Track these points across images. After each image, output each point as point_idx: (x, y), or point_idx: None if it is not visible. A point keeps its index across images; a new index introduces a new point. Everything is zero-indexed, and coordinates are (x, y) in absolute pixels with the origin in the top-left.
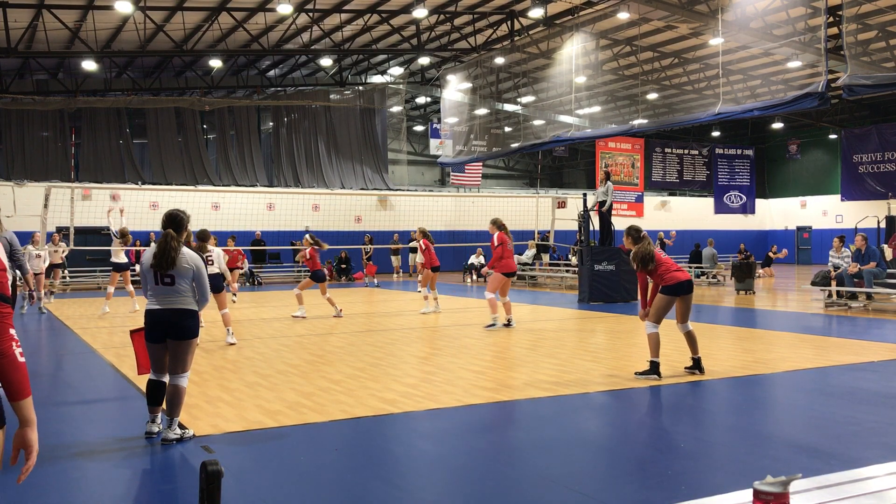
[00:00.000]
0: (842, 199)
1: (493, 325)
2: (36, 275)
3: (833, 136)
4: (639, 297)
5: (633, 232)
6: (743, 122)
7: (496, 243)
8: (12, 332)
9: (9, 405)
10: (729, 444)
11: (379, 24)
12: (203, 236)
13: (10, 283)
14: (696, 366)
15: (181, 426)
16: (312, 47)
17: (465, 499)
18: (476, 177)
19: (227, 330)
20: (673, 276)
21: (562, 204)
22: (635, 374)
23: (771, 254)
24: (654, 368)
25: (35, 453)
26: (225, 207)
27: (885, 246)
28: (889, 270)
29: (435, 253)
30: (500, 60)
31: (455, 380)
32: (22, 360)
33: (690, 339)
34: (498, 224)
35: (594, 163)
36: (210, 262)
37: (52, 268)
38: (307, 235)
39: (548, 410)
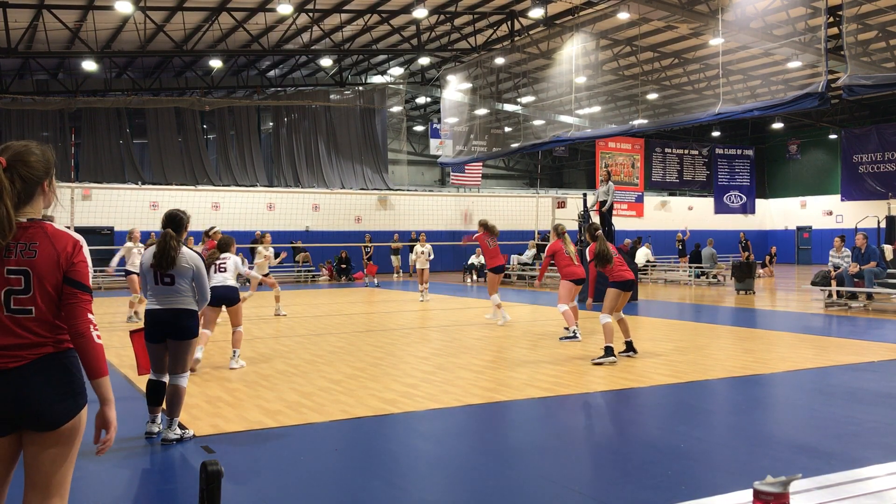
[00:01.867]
0: (842, 199)
1: (573, 336)
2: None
3: (833, 136)
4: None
5: (592, 229)
6: (743, 122)
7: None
8: (91, 316)
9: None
10: (729, 444)
11: (379, 24)
12: (224, 246)
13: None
14: (630, 348)
15: (181, 426)
16: (312, 47)
17: (465, 499)
18: (476, 177)
19: (234, 352)
20: (621, 273)
21: (562, 204)
22: (592, 362)
23: (769, 257)
24: (610, 352)
25: (114, 429)
26: (225, 207)
27: (887, 246)
28: (889, 270)
29: (498, 248)
30: (500, 60)
31: (455, 380)
32: (99, 341)
33: (624, 325)
34: (558, 231)
35: (594, 163)
36: (222, 270)
37: None
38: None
39: (548, 410)
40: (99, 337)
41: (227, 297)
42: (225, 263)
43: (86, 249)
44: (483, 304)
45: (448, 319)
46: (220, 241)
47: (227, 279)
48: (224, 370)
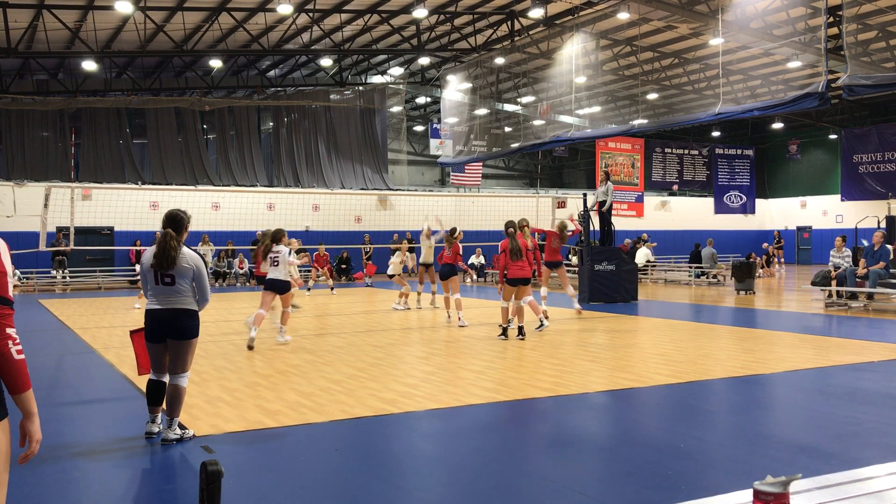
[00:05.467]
0: (842, 199)
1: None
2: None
3: (833, 136)
4: (498, 276)
5: (506, 227)
6: (743, 122)
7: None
8: (10, 331)
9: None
10: (729, 444)
11: (379, 24)
12: (276, 237)
13: (10, 286)
14: (520, 332)
15: (181, 426)
16: (312, 47)
17: (465, 499)
18: (476, 177)
19: (280, 328)
20: (512, 272)
21: (562, 204)
22: (498, 336)
23: (774, 248)
24: (504, 331)
25: (36, 442)
26: (225, 207)
27: (889, 246)
28: (891, 270)
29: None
30: (500, 60)
31: (455, 380)
32: (19, 357)
33: (520, 312)
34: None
35: (594, 163)
36: (275, 263)
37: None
38: None
39: (548, 410)
40: (20, 352)
41: (280, 287)
42: (278, 257)
43: (5, 256)
44: (483, 304)
45: (448, 319)
46: (274, 233)
47: (281, 272)
48: (224, 370)
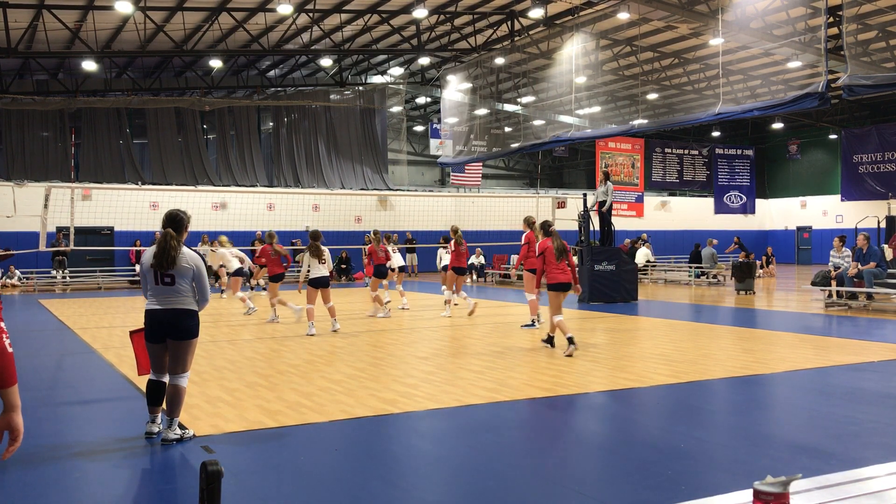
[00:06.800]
0: (842, 200)
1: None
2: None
3: (833, 136)
4: (537, 276)
5: (546, 226)
6: (743, 122)
7: None
8: (2, 324)
9: None
10: (729, 444)
11: (379, 24)
12: (315, 236)
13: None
14: (549, 341)
15: (181, 426)
16: (312, 47)
17: (465, 499)
18: (476, 177)
19: (333, 321)
20: (553, 275)
21: (562, 204)
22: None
23: (766, 257)
24: (571, 341)
25: (20, 435)
26: (225, 207)
27: (886, 246)
28: (889, 270)
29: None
30: (500, 60)
31: (455, 380)
32: (10, 350)
33: (562, 325)
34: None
35: (594, 163)
36: (323, 262)
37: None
38: None
39: (547, 410)
40: (10, 345)
41: (325, 283)
42: (324, 256)
43: None
44: (483, 304)
45: (448, 319)
46: (312, 233)
47: (326, 270)
48: (224, 370)
